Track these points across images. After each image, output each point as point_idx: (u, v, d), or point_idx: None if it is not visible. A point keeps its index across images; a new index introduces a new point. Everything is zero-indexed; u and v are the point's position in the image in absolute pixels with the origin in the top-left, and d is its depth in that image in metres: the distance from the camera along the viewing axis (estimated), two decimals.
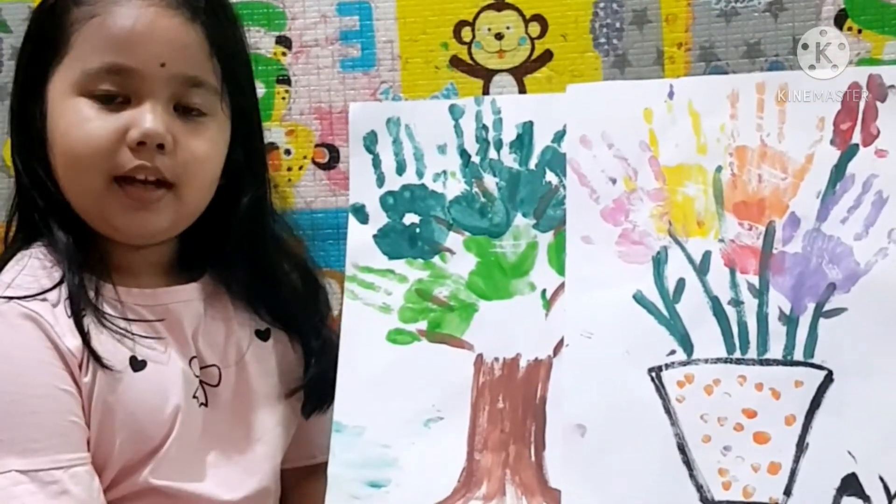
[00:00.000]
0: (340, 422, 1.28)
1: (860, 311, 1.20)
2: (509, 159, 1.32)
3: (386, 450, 1.27)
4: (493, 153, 1.32)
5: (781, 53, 1.40)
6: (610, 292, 1.25)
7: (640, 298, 1.24)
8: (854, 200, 1.22)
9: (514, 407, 1.26)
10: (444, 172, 1.33)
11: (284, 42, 1.48)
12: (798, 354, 1.20)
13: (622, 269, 1.25)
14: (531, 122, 1.32)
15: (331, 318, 1.41)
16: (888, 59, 1.37)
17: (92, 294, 1.22)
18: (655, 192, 1.27)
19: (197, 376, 1.27)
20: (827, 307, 1.21)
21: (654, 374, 1.22)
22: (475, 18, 1.45)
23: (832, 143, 1.23)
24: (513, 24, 1.45)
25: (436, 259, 1.32)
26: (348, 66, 1.47)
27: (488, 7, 1.45)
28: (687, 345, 1.22)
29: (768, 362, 1.21)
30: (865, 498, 1.16)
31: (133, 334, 1.23)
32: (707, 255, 1.24)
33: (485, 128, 1.33)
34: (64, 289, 1.21)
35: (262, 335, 1.35)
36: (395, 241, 1.33)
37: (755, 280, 1.23)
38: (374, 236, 1.33)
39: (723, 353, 1.22)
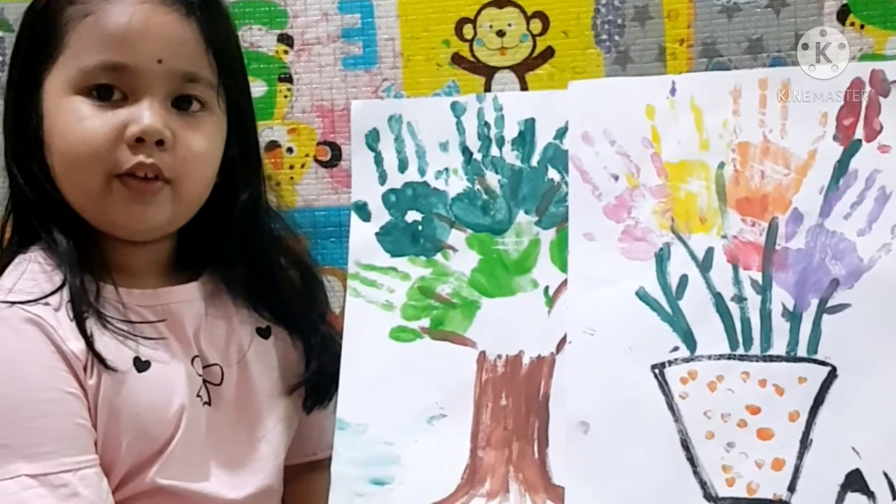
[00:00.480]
0: (344, 419, 1.28)
1: (864, 306, 1.19)
2: (511, 156, 1.32)
3: (389, 447, 1.27)
4: (495, 150, 1.32)
5: (784, 49, 1.40)
6: (612, 289, 1.25)
7: (642, 295, 1.24)
8: (857, 196, 1.22)
9: (517, 404, 1.26)
10: (447, 170, 1.33)
11: (286, 40, 1.48)
12: (801, 350, 1.20)
13: (625, 266, 1.25)
14: (533, 119, 1.32)
15: (333, 316, 1.41)
16: (891, 55, 1.37)
17: (93, 296, 1.22)
18: (658, 188, 1.26)
19: (200, 375, 1.27)
20: (830, 303, 1.20)
21: (657, 371, 1.22)
22: (477, 15, 1.45)
23: (835, 138, 1.23)
24: (514, 20, 1.45)
25: (438, 256, 1.32)
26: (350, 63, 1.47)
27: (490, 4, 1.45)
28: (690, 341, 1.22)
29: (772, 358, 1.20)
30: (870, 494, 1.16)
31: (136, 335, 1.23)
32: (710, 252, 1.24)
33: (487, 125, 1.33)
34: (66, 292, 1.20)
35: (263, 333, 1.35)
36: (397, 239, 1.33)
37: (758, 276, 1.22)
38: (377, 234, 1.33)
39: (726, 350, 1.22)
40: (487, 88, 1.45)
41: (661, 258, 1.25)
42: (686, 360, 1.22)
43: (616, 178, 1.27)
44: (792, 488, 1.18)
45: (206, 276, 1.33)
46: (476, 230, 1.31)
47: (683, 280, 1.24)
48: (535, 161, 1.31)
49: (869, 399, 1.18)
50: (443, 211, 1.32)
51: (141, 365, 1.22)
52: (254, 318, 1.35)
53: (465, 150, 1.33)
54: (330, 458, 1.28)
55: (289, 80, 1.48)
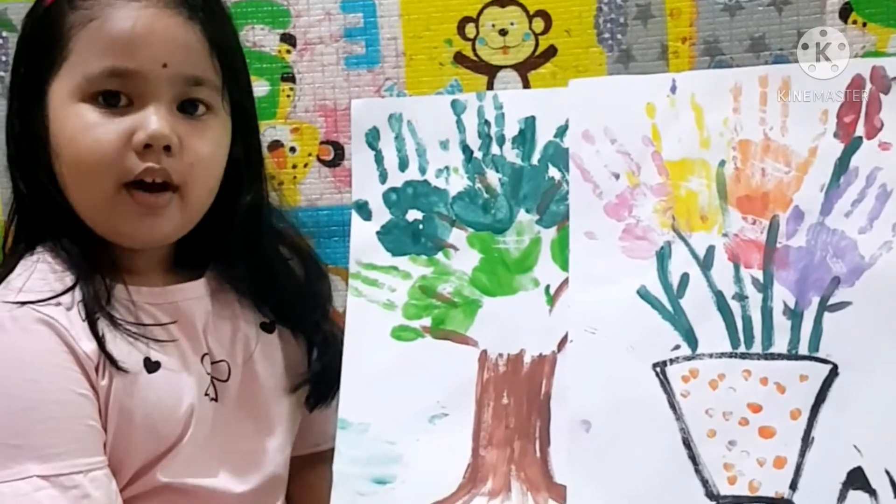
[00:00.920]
0: (346, 419, 1.28)
1: (865, 304, 1.19)
2: (512, 155, 1.32)
3: (391, 446, 1.27)
4: (495, 149, 1.32)
5: (786, 47, 1.39)
6: (614, 288, 1.25)
7: (643, 293, 1.24)
8: (858, 194, 1.22)
9: (518, 403, 1.26)
10: (447, 168, 1.33)
11: (289, 40, 1.48)
12: (803, 348, 1.20)
13: (626, 265, 1.25)
14: (533, 118, 1.32)
15: (336, 314, 1.41)
16: (893, 52, 1.36)
17: (104, 297, 1.22)
18: (659, 186, 1.26)
19: (208, 373, 1.28)
20: (831, 301, 1.20)
21: (658, 370, 1.22)
22: (479, 15, 1.45)
23: (836, 136, 1.23)
24: (517, 19, 1.45)
25: (439, 255, 1.32)
26: (353, 63, 1.47)
27: (492, 3, 1.45)
28: (691, 339, 1.22)
29: (773, 356, 1.20)
30: (871, 492, 1.16)
31: (147, 337, 1.23)
32: (711, 250, 1.24)
33: (487, 123, 1.33)
34: (77, 292, 1.20)
35: (268, 328, 1.35)
36: (398, 238, 1.33)
37: (759, 274, 1.22)
38: (378, 233, 1.33)
39: (727, 348, 1.22)
40: (490, 87, 1.44)
41: (662, 257, 1.25)
42: (687, 359, 1.22)
43: (617, 176, 1.27)
44: (794, 486, 1.18)
45: (209, 273, 1.33)
46: (477, 229, 1.31)
47: (684, 278, 1.24)
48: (535, 159, 1.31)
49: (870, 397, 1.18)
50: (443, 210, 1.32)
51: (151, 366, 1.22)
52: (258, 314, 1.35)
53: (466, 149, 1.33)
54: (332, 449, 1.28)
55: (291, 79, 1.48)
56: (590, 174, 1.28)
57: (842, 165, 1.22)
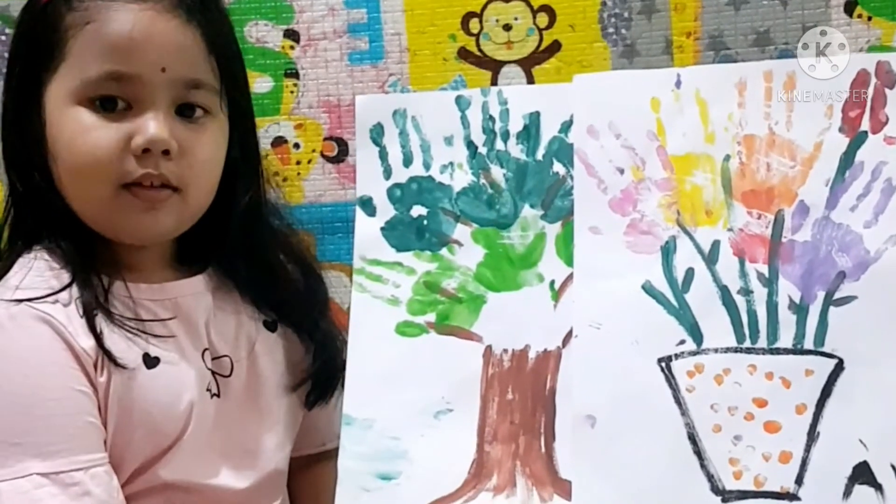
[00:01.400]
0: (350, 415, 1.28)
1: (870, 298, 1.19)
2: (516, 150, 1.31)
3: (396, 442, 1.27)
4: (500, 144, 1.32)
5: (791, 42, 1.39)
6: (618, 283, 1.25)
7: (648, 289, 1.24)
8: (863, 188, 1.21)
9: (523, 398, 1.26)
10: (451, 164, 1.33)
11: (292, 35, 1.48)
12: (808, 343, 1.20)
13: (631, 260, 1.25)
14: (538, 113, 1.31)
15: (340, 312, 1.41)
16: None
17: (102, 293, 1.22)
18: (663, 181, 1.26)
19: (210, 369, 1.28)
20: (837, 295, 1.20)
21: (663, 365, 1.22)
22: (483, 10, 1.45)
23: (841, 130, 1.23)
24: (521, 14, 1.45)
25: (444, 251, 1.32)
26: (356, 59, 1.47)
27: None
28: (696, 334, 1.22)
29: (778, 351, 1.20)
30: (877, 486, 1.16)
31: (145, 332, 1.23)
32: (716, 245, 1.24)
33: (491, 119, 1.32)
34: (75, 289, 1.20)
35: (270, 326, 1.35)
36: (402, 234, 1.33)
37: (764, 269, 1.22)
38: (382, 229, 1.33)
39: (732, 343, 1.21)
40: (494, 83, 1.45)
41: (667, 251, 1.25)
42: (692, 354, 1.22)
43: (621, 171, 1.27)
44: (799, 481, 1.17)
45: (210, 270, 1.33)
46: (481, 224, 1.31)
47: (689, 273, 1.24)
48: (540, 155, 1.31)
49: (876, 391, 1.17)
50: (448, 205, 1.32)
51: (150, 362, 1.22)
52: (259, 312, 1.35)
53: (470, 145, 1.33)
54: (338, 449, 1.28)
55: (295, 75, 1.48)
56: (594, 169, 1.28)
57: (847, 160, 1.22)
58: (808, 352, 1.20)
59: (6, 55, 1.28)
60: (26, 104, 1.23)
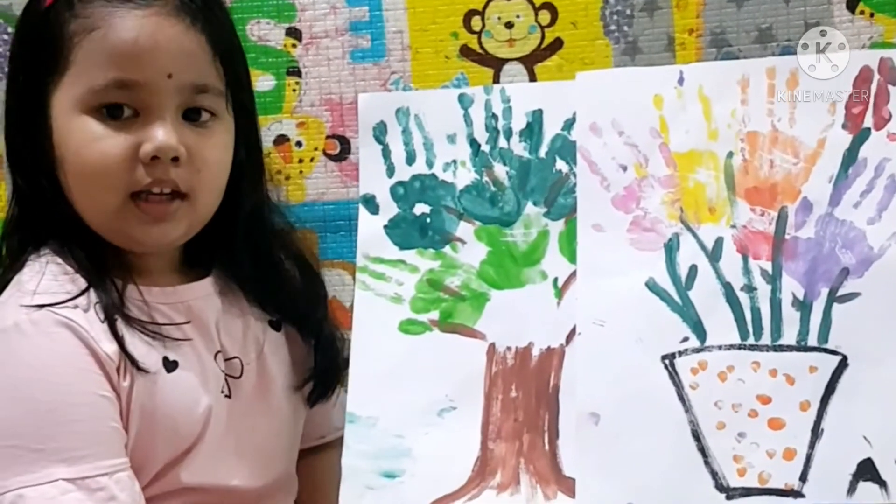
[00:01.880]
0: (354, 413, 1.28)
1: (874, 295, 1.19)
2: (519, 148, 1.31)
3: (399, 440, 1.26)
4: (502, 142, 1.32)
5: (793, 38, 1.39)
6: (622, 280, 1.25)
7: (652, 286, 1.24)
8: (867, 184, 1.21)
9: (527, 396, 1.26)
10: (454, 162, 1.33)
11: (294, 34, 1.48)
12: (812, 340, 1.20)
13: (634, 257, 1.25)
14: (541, 111, 1.31)
15: (342, 310, 1.41)
16: None
17: (117, 297, 1.22)
18: (666, 178, 1.26)
19: (222, 370, 1.28)
20: (840, 292, 1.20)
21: (667, 362, 1.22)
22: (485, 7, 1.45)
23: (844, 127, 1.23)
24: (522, 12, 1.45)
25: (447, 249, 1.31)
26: (358, 56, 1.47)
27: None
28: (700, 332, 1.22)
29: (782, 348, 1.20)
30: (882, 483, 1.16)
31: (163, 336, 1.23)
32: (719, 242, 1.24)
33: (494, 116, 1.32)
34: (92, 294, 1.20)
35: (275, 325, 1.36)
36: (405, 232, 1.32)
37: (768, 266, 1.22)
38: (385, 227, 1.33)
39: (736, 340, 1.21)
40: (496, 80, 1.44)
41: (671, 249, 1.25)
42: (696, 351, 1.22)
43: (624, 168, 1.27)
44: (803, 478, 1.17)
45: (216, 272, 1.33)
46: (484, 222, 1.31)
47: (693, 270, 1.23)
48: (543, 152, 1.31)
49: (880, 388, 1.17)
50: (451, 203, 1.32)
51: (169, 365, 1.23)
52: (264, 312, 1.35)
53: (473, 142, 1.33)
54: (338, 439, 1.29)
55: (297, 73, 1.48)
56: (597, 166, 1.27)
57: (850, 156, 1.22)
58: (812, 349, 1.19)
59: (8, 55, 1.28)
60: (31, 109, 1.23)
